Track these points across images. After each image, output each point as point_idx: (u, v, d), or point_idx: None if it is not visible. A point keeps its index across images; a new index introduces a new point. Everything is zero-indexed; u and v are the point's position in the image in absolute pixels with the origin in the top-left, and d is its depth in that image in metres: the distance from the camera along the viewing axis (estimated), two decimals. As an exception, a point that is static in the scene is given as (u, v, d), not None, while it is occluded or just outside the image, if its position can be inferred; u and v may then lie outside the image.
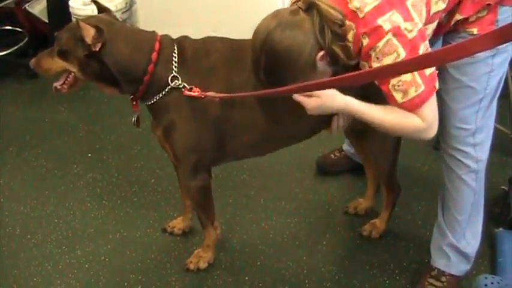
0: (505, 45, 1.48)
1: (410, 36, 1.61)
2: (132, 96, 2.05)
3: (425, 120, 1.69)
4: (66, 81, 2.03)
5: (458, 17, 1.78)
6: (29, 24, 4.13)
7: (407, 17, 1.61)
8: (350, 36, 1.68)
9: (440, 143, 2.01)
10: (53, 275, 2.36)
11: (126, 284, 2.30)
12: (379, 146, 2.20)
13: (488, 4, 1.74)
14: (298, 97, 1.69)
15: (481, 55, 1.73)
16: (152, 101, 2.01)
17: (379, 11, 1.61)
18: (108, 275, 2.35)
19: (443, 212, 2.09)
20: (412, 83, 1.63)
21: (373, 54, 1.64)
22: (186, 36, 2.06)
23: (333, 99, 1.70)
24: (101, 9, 2.07)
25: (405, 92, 1.65)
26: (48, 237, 2.54)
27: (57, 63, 1.99)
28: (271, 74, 1.67)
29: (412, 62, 1.30)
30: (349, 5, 1.65)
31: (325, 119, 2.09)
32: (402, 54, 1.60)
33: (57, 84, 2.05)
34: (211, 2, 3.33)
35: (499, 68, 1.84)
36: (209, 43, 2.05)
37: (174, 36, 2.05)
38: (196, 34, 2.08)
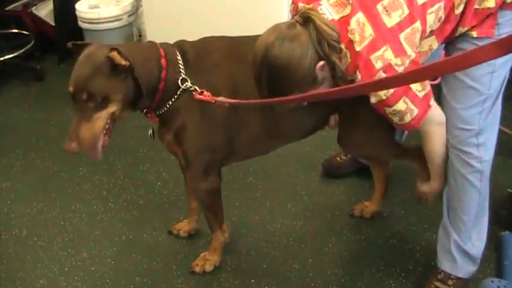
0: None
1: (400, 70, 1.70)
2: (145, 111, 2.03)
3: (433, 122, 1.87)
4: (106, 131, 1.92)
5: (461, 29, 1.80)
6: (36, 27, 4.16)
7: (399, 53, 1.69)
8: (344, 62, 1.74)
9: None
10: (59, 277, 2.36)
11: (131, 286, 2.31)
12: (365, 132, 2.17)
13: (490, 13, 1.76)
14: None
15: None
16: (165, 108, 2.00)
17: (373, 46, 1.68)
18: (114, 277, 2.35)
19: (449, 212, 2.08)
20: (407, 111, 1.77)
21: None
22: (184, 40, 2.08)
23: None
24: (82, 46, 1.92)
25: (401, 118, 1.80)
26: (54, 240, 2.55)
27: (100, 117, 1.86)
28: (273, 87, 1.73)
29: (417, 73, 1.31)
30: (349, 34, 1.69)
31: (325, 117, 2.15)
32: (391, 89, 1.71)
33: (101, 143, 1.92)
34: (217, 4, 3.34)
35: (501, 68, 1.83)
36: (208, 43, 2.07)
37: (181, 38, 2.08)
38: (201, 36, 2.10)
